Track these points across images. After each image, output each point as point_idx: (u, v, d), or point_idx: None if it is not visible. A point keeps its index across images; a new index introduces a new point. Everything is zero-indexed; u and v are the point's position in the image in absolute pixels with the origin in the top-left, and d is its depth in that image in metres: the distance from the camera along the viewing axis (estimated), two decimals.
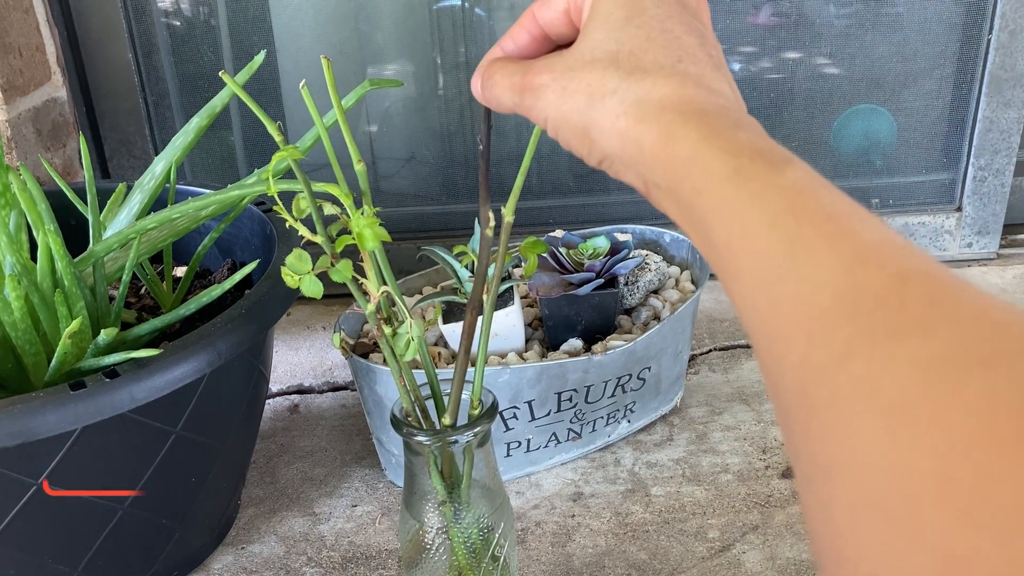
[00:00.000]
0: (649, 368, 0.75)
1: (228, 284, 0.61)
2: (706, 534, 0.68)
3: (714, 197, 0.28)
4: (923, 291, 0.22)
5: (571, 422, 0.73)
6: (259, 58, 0.66)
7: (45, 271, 0.56)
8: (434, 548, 0.50)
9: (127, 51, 1.03)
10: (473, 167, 1.10)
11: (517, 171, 0.43)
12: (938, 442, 0.19)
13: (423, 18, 1.04)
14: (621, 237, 0.86)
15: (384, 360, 0.70)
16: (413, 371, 0.49)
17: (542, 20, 0.39)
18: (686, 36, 0.34)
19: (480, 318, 0.47)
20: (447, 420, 0.48)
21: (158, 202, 0.68)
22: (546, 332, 0.78)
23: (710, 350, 0.94)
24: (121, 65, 1.03)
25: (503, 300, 0.74)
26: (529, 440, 0.73)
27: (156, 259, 0.76)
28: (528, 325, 0.80)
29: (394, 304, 0.46)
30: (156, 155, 0.70)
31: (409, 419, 0.49)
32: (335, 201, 0.45)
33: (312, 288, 0.45)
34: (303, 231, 0.44)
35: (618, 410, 0.76)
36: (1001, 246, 1.14)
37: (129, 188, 0.70)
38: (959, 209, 1.11)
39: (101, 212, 0.69)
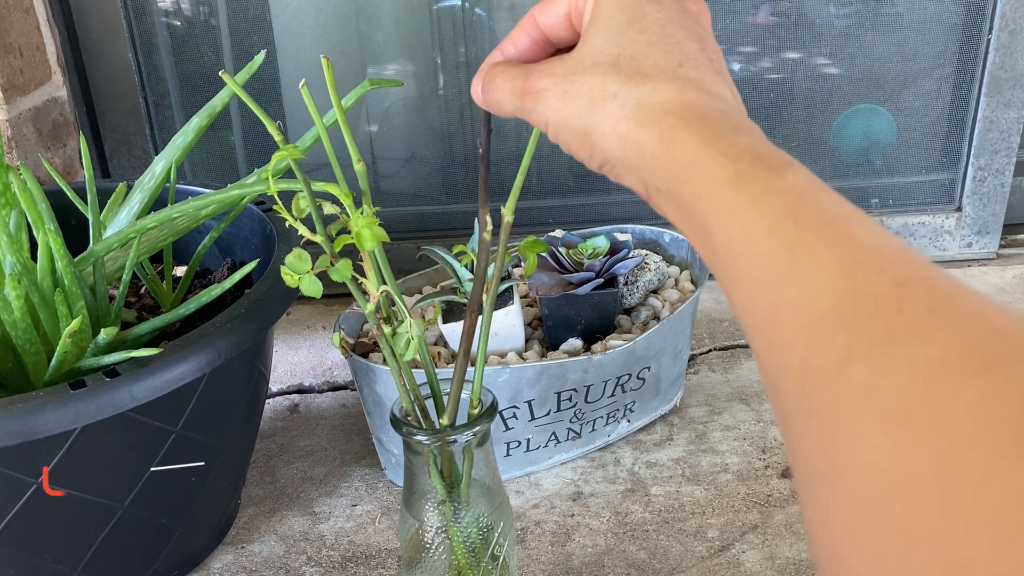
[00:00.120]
0: (649, 368, 0.75)
1: (228, 284, 0.61)
2: (705, 534, 0.68)
3: (714, 201, 0.28)
4: (922, 296, 0.22)
5: (571, 422, 0.73)
6: (259, 58, 0.66)
7: (45, 270, 0.56)
8: (434, 547, 0.50)
9: (127, 51, 1.03)
10: (473, 167, 1.10)
11: (517, 171, 0.43)
12: (937, 447, 0.19)
13: (423, 18, 1.04)
14: (621, 237, 0.86)
15: (384, 359, 0.70)
16: (413, 371, 0.49)
17: (543, 24, 0.39)
18: (687, 41, 0.34)
19: (480, 318, 0.47)
20: (446, 420, 0.48)
21: (158, 202, 0.68)
22: (546, 332, 0.78)
23: (710, 350, 0.94)
24: (121, 65, 1.03)
25: (503, 300, 0.74)
26: (529, 440, 0.73)
27: (156, 258, 0.76)
28: (528, 325, 0.80)
29: (394, 304, 0.46)
30: (156, 155, 0.70)
31: (409, 418, 0.49)
32: (335, 201, 0.45)
33: (312, 287, 0.45)
34: (303, 230, 0.44)
35: (618, 410, 0.76)
36: (1001, 246, 1.14)
37: (129, 188, 0.70)
38: (959, 209, 1.11)
39: (101, 212, 0.69)
